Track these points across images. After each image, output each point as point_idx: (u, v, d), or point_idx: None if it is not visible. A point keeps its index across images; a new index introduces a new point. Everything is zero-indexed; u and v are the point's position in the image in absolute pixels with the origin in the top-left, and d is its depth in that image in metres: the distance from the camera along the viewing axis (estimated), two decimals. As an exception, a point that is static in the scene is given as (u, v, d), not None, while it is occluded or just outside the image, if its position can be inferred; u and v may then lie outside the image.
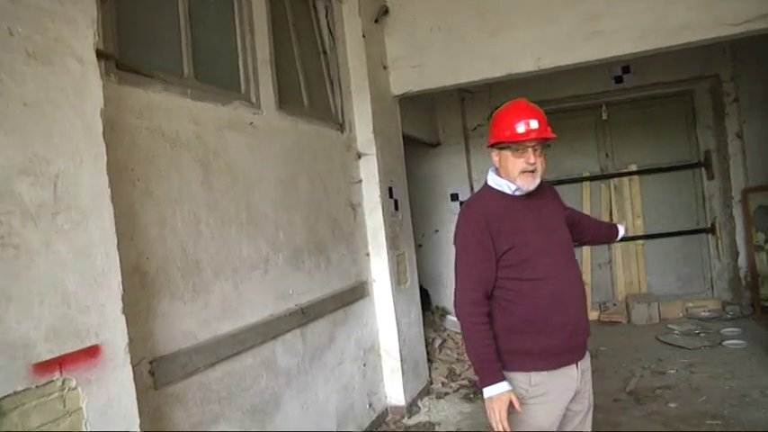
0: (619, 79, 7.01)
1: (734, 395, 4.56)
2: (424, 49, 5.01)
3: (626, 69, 6.96)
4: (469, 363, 5.47)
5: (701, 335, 6.17)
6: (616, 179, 7.42)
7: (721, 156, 6.97)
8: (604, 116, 7.42)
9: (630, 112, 7.41)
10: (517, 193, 2.41)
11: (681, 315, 6.97)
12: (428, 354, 5.76)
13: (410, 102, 5.70)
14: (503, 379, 2.26)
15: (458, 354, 6.30)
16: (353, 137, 4.70)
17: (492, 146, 2.44)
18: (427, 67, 5.05)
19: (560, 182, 7.41)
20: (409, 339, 5.01)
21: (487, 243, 2.32)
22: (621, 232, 3.02)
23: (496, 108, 2.54)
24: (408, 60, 5.08)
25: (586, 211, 7.38)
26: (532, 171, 2.36)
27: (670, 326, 6.60)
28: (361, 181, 4.71)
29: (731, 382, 4.83)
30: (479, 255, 2.33)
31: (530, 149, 2.34)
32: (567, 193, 7.32)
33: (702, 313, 6.92)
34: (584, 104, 7.45)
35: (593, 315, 7.28)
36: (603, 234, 3.02)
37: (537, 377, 2.34)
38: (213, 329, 2.85)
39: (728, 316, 6.71)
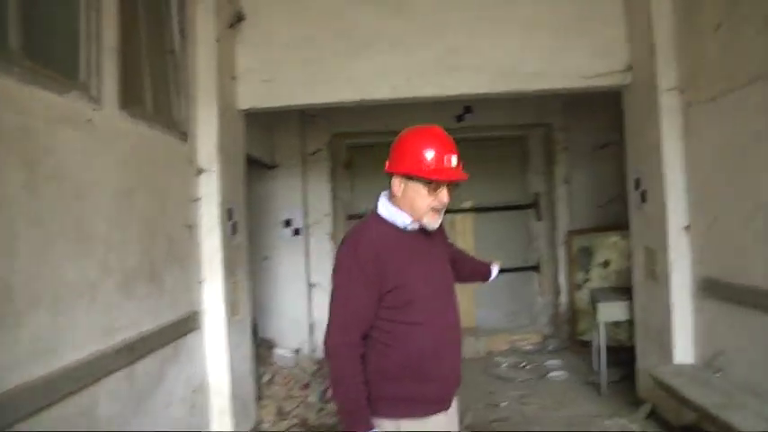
0: (460, 118, 7.20)
1: (564, 423, 4.76)
2: (277, 63, 4.71)
3: (467, 109, 7.16)
4: (327, 404, 5.31)
5: (527, 367, 6.41)
6: (451, 215, 7.58)
7: (549, 199, 7.41)
8: (445, 152, 7.56)
9: (469, 152, 7.50)
10: (409, 228, 2.19)
11: (506, 348, 7.23)
12: (257, 390, 5.34)
13: (252, 118, 5.32)
14: (373, 427, 2.10)
15: (287, 390, 5.95)
16: (195, 149, 4.22)
17: (395, 173, 2.20)
18: (278, 82, 4.74)
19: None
20: (240, 376, 4.57)
21: (373, 281, 2.08)
22: (495, 272, 2.89)
23: (398, 131, 2.34)
24: (259, 73, 4.74)
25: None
26: (439, 209, 2.19)
27: (497, 358, 6.80)
28: (199, 199, 4.24)
29: (560, 412, 5.05)
30: (363, 294, 2.09)
31: (445, 188, 2.18)
32: None
33: (526, 346, 7.23)
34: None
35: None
36: (478, 273, 2.87)
37: (406, 425, 2.14)
38: (21, 375, 2.27)
39: (549, 348, 7.07)
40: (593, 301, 5.68)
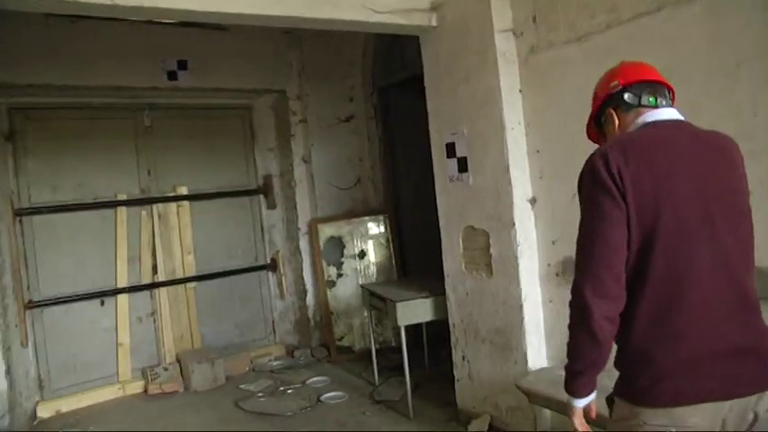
0: (172, 75, 5.43)
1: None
2: None
3: (183, 65, 5.46)
4: None
5: (289, 391, 5.08)
6: (161, 205, 5.75)
7: (285, 182, 6.15)
8: (147, 122, 5.71)
9: (180, 122, 5.89)
10: None
11: (247, 369, 5.76)
12: None
13: None
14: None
15: None
16: None
17: None
18: None
19: (86, 206, 5.36)
20: None
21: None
22: None
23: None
24: None
25: (122, 248, 5.50)
26: None
27: (242, 386, 5.31)
28: None
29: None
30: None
31: None
32: (94, 221, 5.40)
33: (270, 362, 5.88)
34: (123, 103, 5.57)
35: (135, 387, 5.40)
36: None
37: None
38: None
39: (301, 361, 5.85)
40: (375, 301, 4.67)
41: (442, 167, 4.02)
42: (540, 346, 3.60)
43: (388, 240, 5.99)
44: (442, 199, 4.06)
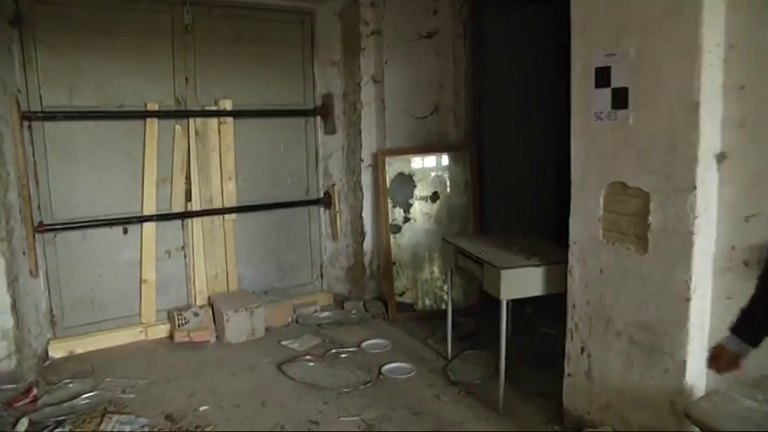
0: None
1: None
2: None
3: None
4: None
5: (343, 357, 4.24)
6: (199, 120, 4.79)
7: (349, 104, 5.12)
8: (188, 19, 4.67)
9: (227, 23, 4.83)
10: None
11: (289, 320, 4.94)
12: None
13: None
14: None
15: None
16: None
17: None
18: None
19: (110, 115, 4.44)
20: None
21: None
22: None
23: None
24: None
25: (151, 168, 4.58)
26: None
27: (285, 342, 4.49)
28: None
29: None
30: None
31: None
32: (119, 134, 4.48)
33: (316, 314, 5.05)
34: (159, -8, 4.55)
35: (159, 331, 4.62)
36: None
37: None
38: None
39: (353, 317, 5.00)
40: (464, 261, 3.73)
41: (585, 101, 2.96)
42: (703, 355, 2.64)
43: (467, 184, 5.00)
44: (581, 143, 3.02)
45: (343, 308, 5.17)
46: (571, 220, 3.11)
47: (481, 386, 3.75)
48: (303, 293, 5.31)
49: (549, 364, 3.70)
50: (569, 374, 3.22)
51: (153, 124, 4.57)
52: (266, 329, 4.69)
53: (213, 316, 4.65)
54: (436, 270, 5.01)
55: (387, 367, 4.05)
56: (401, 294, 4.98)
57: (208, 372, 4.05)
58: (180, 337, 4.48)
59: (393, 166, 4.94)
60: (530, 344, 4.31)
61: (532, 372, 3.86)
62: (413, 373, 3.97)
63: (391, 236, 4.95)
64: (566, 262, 3.20)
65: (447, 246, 4.00)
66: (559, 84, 3.43)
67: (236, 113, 4.89)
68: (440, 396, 3.66)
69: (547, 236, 3.90)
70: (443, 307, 4.89)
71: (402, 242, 4.99)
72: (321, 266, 5.48)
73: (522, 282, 3.29)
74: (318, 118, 5.27)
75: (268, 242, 5.18)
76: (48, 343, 4.29)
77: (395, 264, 4.97)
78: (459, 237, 4.21)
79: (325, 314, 5.08)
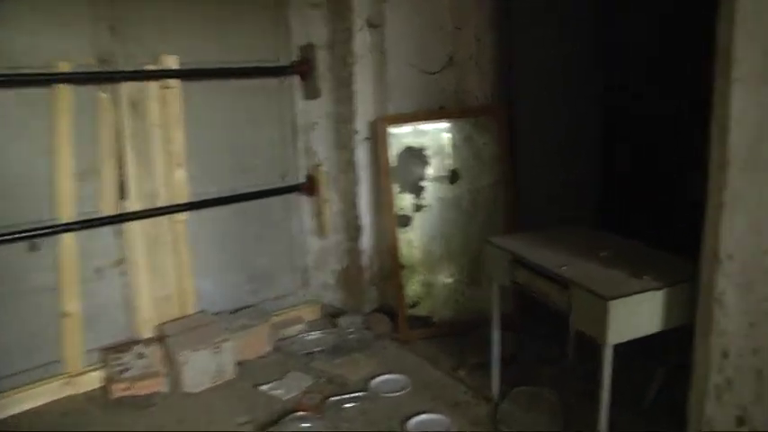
0: None
1: None
2: None
3: None
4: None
5: (347, 408, 3.05)
6: (134, 85, 3.44)
7: (337, 58, 3.83)
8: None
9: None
10: None
11: (268, 350, 3.73)
12: None
13: None
14: None
15: None
16: None
17: None
18: None
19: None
20: None
21: None
22: None
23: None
24: None
25: (65, 155, 3.25)
26: None
27: (264, 387, 3.29)
28: None
29: None
30: None
31: None
32: (15, 108, 3.21)
33: (303, 337, 3.85)
34: None
35: (90, 381, 3.37)
36: None
37: None
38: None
39: (352, 338, 3.80)
40: (529, 277, 2.56)
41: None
42: None
43: (495, 159, 3.81)
44: (753, 93, 1.84)
45: (336, 325, 3.98)
46: (723, 221, 1.94)
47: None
48: (284, 308, 4.09)
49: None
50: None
51: (65, 93, 3.21)
52: (238, 364, 3.48)
53: (166, 353, 3.41)
54: (457, 271, 3.84)
55: (413, 423, 2.89)
56: (413, 306, 3.80)
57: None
58: (118, 390, 3.21)
59: (398, 139, 3.72)
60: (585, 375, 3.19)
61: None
62: (442, 424, 2.81)
63: (398, 230, 3.76)
64: (690, 280, 2.09)
65: (495, 252, 2.79)
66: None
67: (184, 74, 3.55)
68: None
69: (620, 232, 2.81)
70: (466, 317, 3.77)
71: (412, 237, 3.79)
72: (305, 271, 4.24)
73: (636, 314, 2.12)
74: (296, 78, 3.96)
75: (234, 245, 3.92)
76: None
77: (403, 267, 3.79)
78: (510, 238, 2.97)
79: (315, 336, 3.88)
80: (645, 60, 4.14)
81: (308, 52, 3.88)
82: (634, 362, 2.11)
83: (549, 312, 2.49)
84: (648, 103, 4.14)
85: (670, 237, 2.68)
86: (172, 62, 3.52)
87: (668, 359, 2.87)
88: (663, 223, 3.87)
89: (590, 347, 3.00)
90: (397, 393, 3.17)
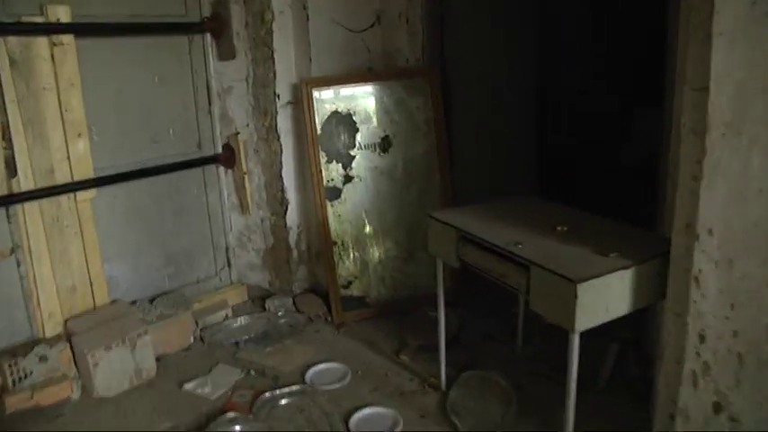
0: None
1: None
2: None
3: None
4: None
5: (283, 404, 2.79)
6: (15, 40, 2.94)
7: (254, 12, 3.44)
8: None
9: None
10: None
11: (191, 340, 3.40)
12: None
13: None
14: None
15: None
16: None
17: None
18: None
19: None
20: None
21: None
22: None
23: None
24: None
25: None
26: None
27: (189, 386, 2.97)
28: None
29: None
30: None
31: None
32: None
33: (229, 323, 3.53)
34: None
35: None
36: None
37: None
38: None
39: (282, 323, 3.53)
40: (481, 257, 2.36)
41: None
42: None
43: (429, 123, 3.58)
44: (733, 55, 1.66)
45: (264, 308, 3.69)
46: (703, 192, 1.79)
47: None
48: (206, 292, 3.76)
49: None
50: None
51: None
52: (158, 360, 3.14)
53: (73, 355, 3.01)
54: (392, 247, 3.62)
55: (357, 419, 2.66)
56: (347, 286, 3.56)
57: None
58: (16, 402, 2.79)
59: (323, 103, 3.41)
60: (539, 352, 3.08)
61: (554, 398, 2.61)
62: (399, 428, 2.61)
63: (328, 203, 3.48)
64: (660, 256, 1.95)
65: (439, 228, 2.55)
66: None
67: (78, 28, 3.08)
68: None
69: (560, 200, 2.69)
70: (404, 294, 3.58)
71: (343, 211, 3.53)
72: (227, 251, 3.90)
73: (604, 297, 1.96)
74: (208, 36, 3.56)
75: (148, 225, 3.52)
76: None
77: (336, 243, 3.53)
78: (455, 212, 2.74)
79: (242, 322, 3.57)
80: (581, 26, 4.03)
81: (220, 7, 3.47)
82: (583, 339, 1.93)
83: (490, 286, 2.32)
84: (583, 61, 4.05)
85: (607, 204, 2.59)
86: (62, 14, 3.03)
87: (620, 335, 2.79)
88: (598, 190, 3.80)
89: (536, 324, 2.89)
90: (337, 385, 2.93)
